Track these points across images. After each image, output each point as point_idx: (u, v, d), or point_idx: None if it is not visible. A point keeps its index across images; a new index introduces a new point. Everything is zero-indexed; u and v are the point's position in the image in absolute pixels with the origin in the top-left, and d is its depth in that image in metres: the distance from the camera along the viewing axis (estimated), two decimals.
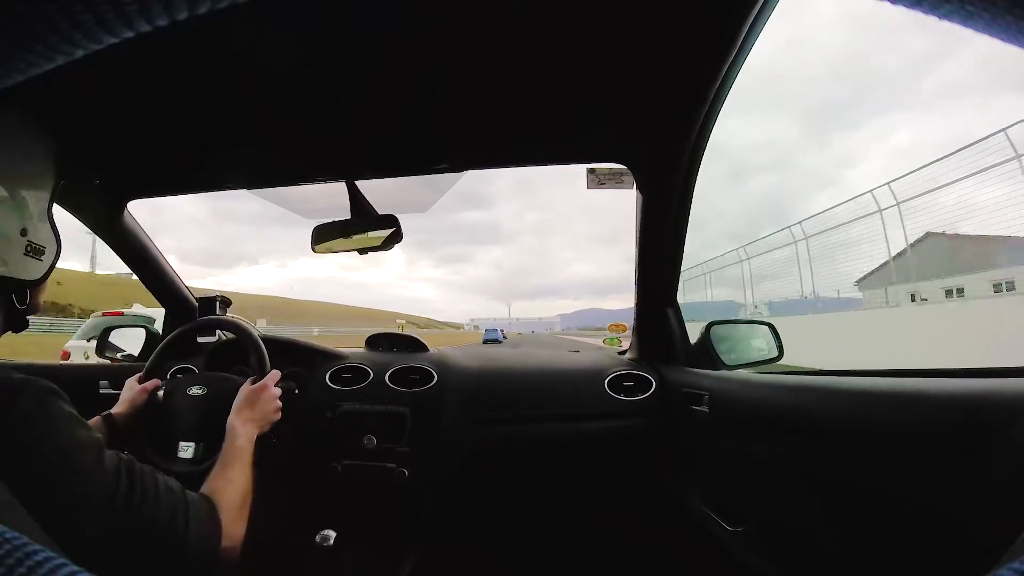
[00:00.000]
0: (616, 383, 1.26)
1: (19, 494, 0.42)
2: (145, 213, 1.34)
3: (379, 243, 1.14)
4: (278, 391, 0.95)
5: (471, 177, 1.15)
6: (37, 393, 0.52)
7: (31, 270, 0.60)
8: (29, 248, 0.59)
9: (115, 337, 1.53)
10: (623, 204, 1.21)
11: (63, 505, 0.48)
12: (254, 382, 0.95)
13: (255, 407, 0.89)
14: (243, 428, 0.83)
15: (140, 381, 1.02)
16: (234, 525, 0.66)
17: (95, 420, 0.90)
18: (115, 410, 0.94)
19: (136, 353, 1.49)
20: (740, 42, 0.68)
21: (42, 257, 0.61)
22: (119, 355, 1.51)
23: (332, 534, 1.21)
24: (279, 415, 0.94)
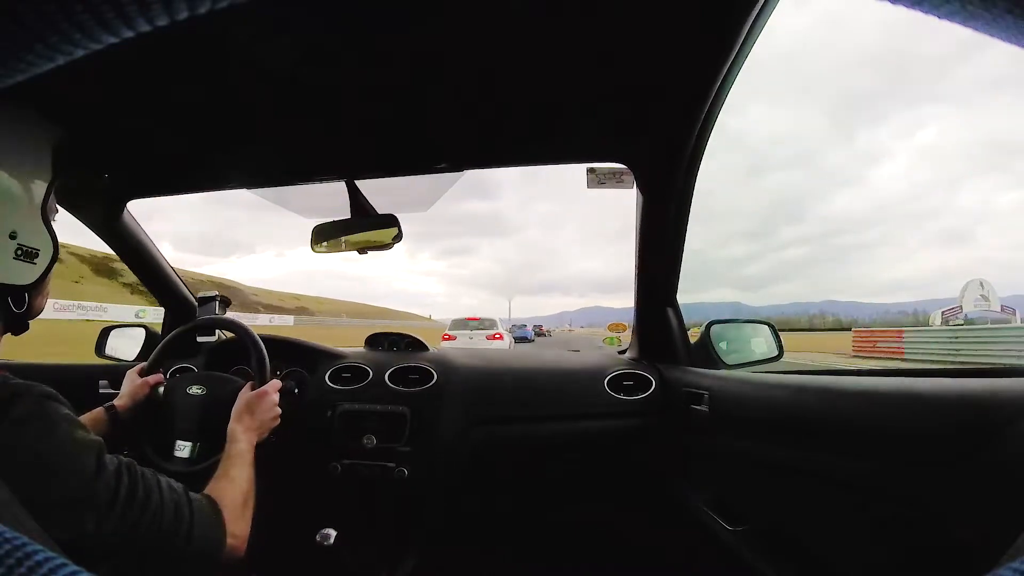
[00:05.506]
0: (616, 382, 1.26)
1: (20, 495, 0.42)
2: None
3: (379, 243, 1.14)
4: (277, 398, 0.96)
5: None
6: (35, 397, 0.52)
7: (23, 275, 0.58)
8: (19, 251, 0.57)
9: (114, 337, 1.52)
10: (632, 199, 1.21)
11: (66, 505, 0.48)
12: (254, 387, 0.95)
13: (254, 415, 0.89)
14: (243, 435, 0.84)
15: (142, 374, 1.02)
16: (237, 523, 0.66)
17: (97, 411, 0.91)
18: (117, 402, 0.95)
19: (135, 353, 1.49)
20: (740, 42, 0.69)
21: (35, 261, 0.59)
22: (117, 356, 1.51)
23: (332, 533, 1.22)
24: (277, 423, 0.94)
